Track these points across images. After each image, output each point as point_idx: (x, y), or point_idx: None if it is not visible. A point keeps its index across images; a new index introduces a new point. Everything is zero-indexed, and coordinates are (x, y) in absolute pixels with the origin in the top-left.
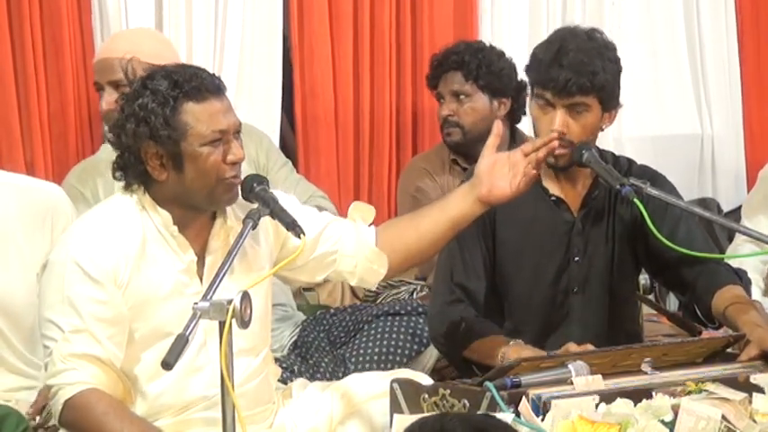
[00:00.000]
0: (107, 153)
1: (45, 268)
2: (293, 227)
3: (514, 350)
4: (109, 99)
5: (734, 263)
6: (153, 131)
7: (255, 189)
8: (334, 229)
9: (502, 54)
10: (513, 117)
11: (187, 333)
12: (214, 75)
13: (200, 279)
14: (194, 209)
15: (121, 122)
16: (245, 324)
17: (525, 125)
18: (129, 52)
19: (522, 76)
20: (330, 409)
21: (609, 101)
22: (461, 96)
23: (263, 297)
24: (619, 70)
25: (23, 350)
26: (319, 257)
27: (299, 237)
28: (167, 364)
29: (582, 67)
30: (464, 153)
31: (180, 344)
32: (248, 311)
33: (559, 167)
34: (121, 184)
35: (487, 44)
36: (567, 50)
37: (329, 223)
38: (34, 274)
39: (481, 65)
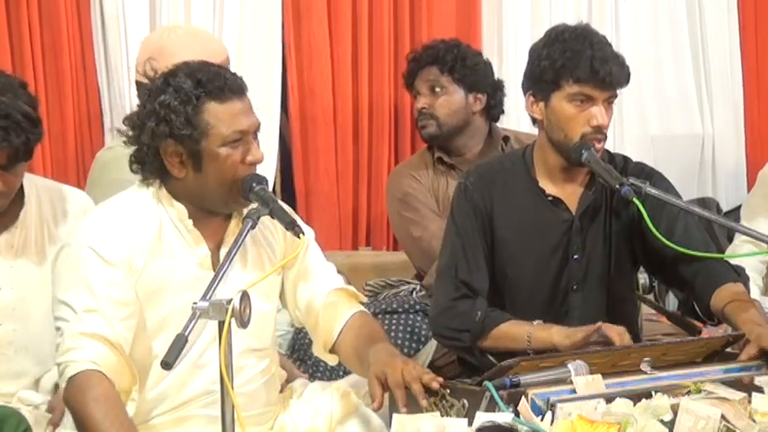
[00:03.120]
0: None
1: (59, 253)
2: (292, 226)
3: (539, 329)
4: None
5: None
6: (173, 130)
7: (255, 189)
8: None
9: (478, 53)
10: (489, 114)
11: (186, 332)
12: (236, 74)
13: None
14: (208, 209)
15: (141, 119)
16: (243, 324)
17: (510, 123)
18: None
19: (499, 75)
20: (330, 409)
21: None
22: (436, 89)
23: (268, 297)
24: None
25: (27, 353)
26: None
27: (299, 236)
28: (167, 364)
29: (619, 60)
30: (443, 148)
31: (179, 343)
32: (247, 311)
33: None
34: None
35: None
36: (598, 44)
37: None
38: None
39: (456, 58)
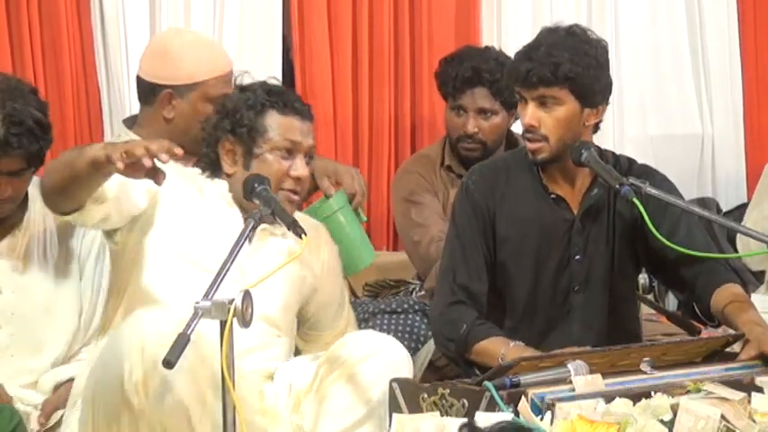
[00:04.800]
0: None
1: None
2: (294, 227)
3: (514, 351)
4: None
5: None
6: (234, 126)
7: (257, 189)
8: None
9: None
10: None
11: (189, 331)
12: (307, 104)
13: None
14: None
15: (212, 118)
16: (246, 324)
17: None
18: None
19: None
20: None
21: (586, 95)
22: (488, 114)
23: (289, 288)
24: (599, 65)
25: (24, 356)
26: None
27: (300, 237)
28: (169, 363)
29: (546, 59)
30: (465, 161)
31: (182, 342)
32: (249, 311)
33: (538, 162)
34: None
35: (497, 51)
36: (539, 45)
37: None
38: (54, 281)
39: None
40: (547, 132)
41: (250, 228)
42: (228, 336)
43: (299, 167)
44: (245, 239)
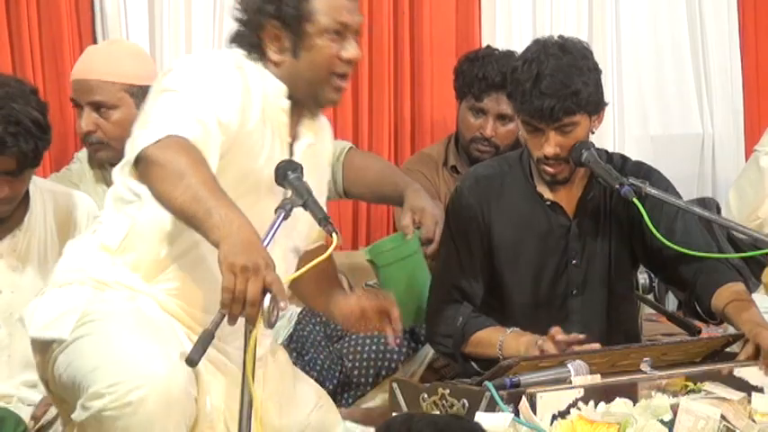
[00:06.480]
0: (78, 164)
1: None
2: (326, 223)
3: (511, 338)
4: (88, 120)
5: None
6: (279, 9)
7: (289, 177)
8: None
9: None
10: None
11: (213, 330)
12: None
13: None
14: (295, 101)
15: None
16: (271, 325)
17: None
18: (108, 74)
19: None
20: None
21: (595, 109)
22: (506, 120)
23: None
24: (598, 74)
25: (23, 355)
26: None
27: (331, 235)
28: (191, 361)
29: (563, 91)
30: (474, 162)
31: (206, 340)
32: (275, 313)
33: (559, 182)
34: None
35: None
36: (545, 75)
37: None
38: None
39: None
40: (566, 155)
41: (280, 220)
42: (254, 340)
43: (351, 49)
44: (276, 230)
